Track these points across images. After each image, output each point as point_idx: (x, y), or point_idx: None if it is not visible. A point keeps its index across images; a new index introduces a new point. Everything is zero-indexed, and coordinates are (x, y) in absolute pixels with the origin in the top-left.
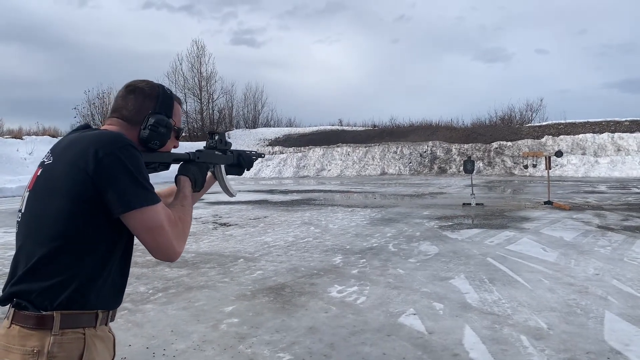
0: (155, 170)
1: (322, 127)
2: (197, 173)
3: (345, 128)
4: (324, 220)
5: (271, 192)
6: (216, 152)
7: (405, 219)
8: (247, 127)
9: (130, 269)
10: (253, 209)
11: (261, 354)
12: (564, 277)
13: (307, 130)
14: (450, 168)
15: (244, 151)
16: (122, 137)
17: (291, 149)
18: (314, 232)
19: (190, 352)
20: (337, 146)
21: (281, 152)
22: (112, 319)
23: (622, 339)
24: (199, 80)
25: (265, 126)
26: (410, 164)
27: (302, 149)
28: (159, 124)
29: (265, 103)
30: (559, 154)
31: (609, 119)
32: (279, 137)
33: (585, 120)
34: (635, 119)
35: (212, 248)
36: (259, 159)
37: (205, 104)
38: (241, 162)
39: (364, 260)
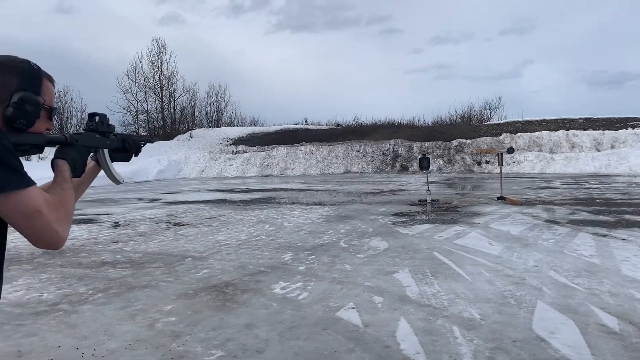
0: (27, 153)
1: (286, 126)
2: (75, 157)
3: (310, 127)
4: (280, 218)
5: (232, 191)
6: (97, 136)
7: (360, 216)
8: (210, 127)
9: (73, 269)
10: (210, 208)
11: (193, 352)
12: (504, 269)
13: (272, 129)
14: (411, 166)
15: (129, 135)
16: None
17: (255, 148)
18: (267, 230)
19: (120, 351)
20: (301, 145)
21: (245, 152)
22: None
23: (548, 327)
24: (159, 79)
25: (228, 125)
26: (373, 162)
27: (266, 147)
28: (25, 101)
29: (228, 102)
30: (510, 150)
31: (563, 117)
32: (242, 136)
33: (542, 118)
34: (588, 116)
35: (160, 248)
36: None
37: (166, 102)
38: (126, 146)
39: (313, 256)
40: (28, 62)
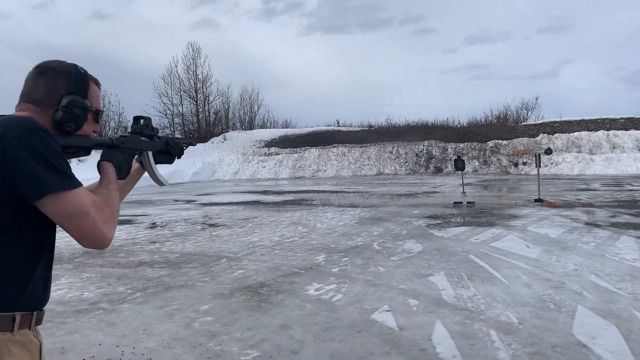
0: (75, 155)
1: (318, 128)
2: (121, 159)
3: (342, 128)
4: (313, 219)
5: (265, 192)
6: (142, 138)
7: (394, 218)
8: (243, 129)
9: (112, 269)
10: (244, 210)
11: (229, 351)
12: (542, 272)
13: (304, 131)
14: (446, 167)
15: (172, 138)
16: (29, 120)
17: (287, 150)
18: (300, 232)
19: (159, 350)
20: (333, 147)
21: (277, 153)
22: (39, 323)
23: (589, 333)
24: (194, 83)
25: (261, 127)
26: (407, 164)
27: (298, 149)
28: (73, 105)
29: (261, 104)
30: (548, 151)
31: (604, 117)
32: (275, 138)
33: (581, 118)
34: (630, 116)
35: (197, 248)
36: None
37: (201, 105)
38: (170, 149)
39: (347, 258)
40: (76, 66)
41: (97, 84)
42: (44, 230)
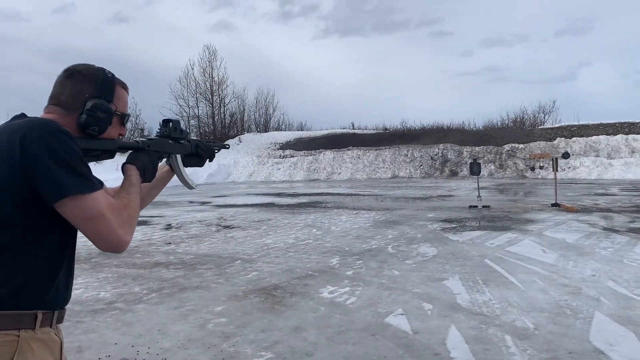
0: (99, 158)
1: (332, 131)
2: (146, 162)
3: (356, 131)
4: (327, 222)
5: (279, 195)
6: (170, 141)
7: (408, 221)
8: (258, 131)
9: (128, 270)
10: (258, 212)
11: (243, 353)
12: (559, 278)
13: (318, 133)
14: (461, 171)
15: (202, 141)
16: (51, 122)
17: (302, 152)
18: (315, 234)
19: (174, 350)
20: (348, 149)
21: (292, 156)
22: (60, 321)
23: (607, 339)
24: (210, 85)
25: (276, 130)
26: (421, 167)
27: (313, 152)
28: (97, 109)
29: (276, 107)
30: (565, 155)
31: (622, 121)
32: (289, 141)
33: (599, 122)
34: None
35: (211, 250)
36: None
37: (216, 108)
38: (199, 152)
39: (361, 261)
40: (103, 70)
41: (125, 87)
42: (66, 231)
